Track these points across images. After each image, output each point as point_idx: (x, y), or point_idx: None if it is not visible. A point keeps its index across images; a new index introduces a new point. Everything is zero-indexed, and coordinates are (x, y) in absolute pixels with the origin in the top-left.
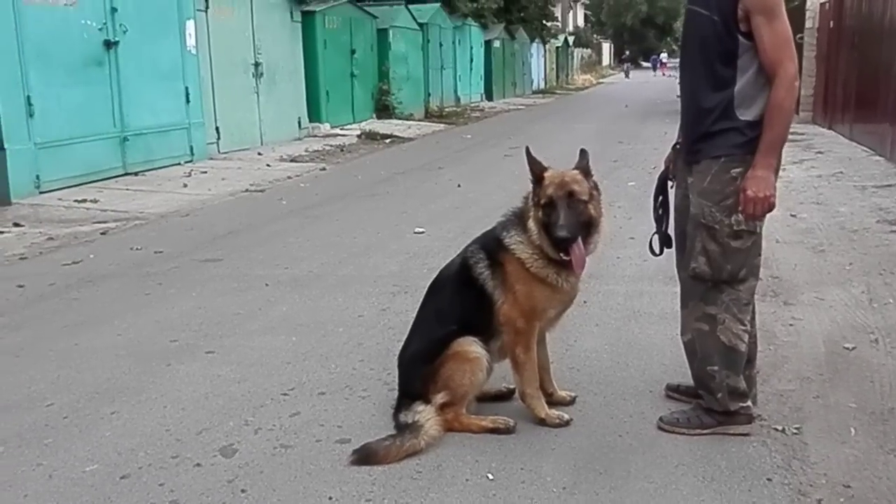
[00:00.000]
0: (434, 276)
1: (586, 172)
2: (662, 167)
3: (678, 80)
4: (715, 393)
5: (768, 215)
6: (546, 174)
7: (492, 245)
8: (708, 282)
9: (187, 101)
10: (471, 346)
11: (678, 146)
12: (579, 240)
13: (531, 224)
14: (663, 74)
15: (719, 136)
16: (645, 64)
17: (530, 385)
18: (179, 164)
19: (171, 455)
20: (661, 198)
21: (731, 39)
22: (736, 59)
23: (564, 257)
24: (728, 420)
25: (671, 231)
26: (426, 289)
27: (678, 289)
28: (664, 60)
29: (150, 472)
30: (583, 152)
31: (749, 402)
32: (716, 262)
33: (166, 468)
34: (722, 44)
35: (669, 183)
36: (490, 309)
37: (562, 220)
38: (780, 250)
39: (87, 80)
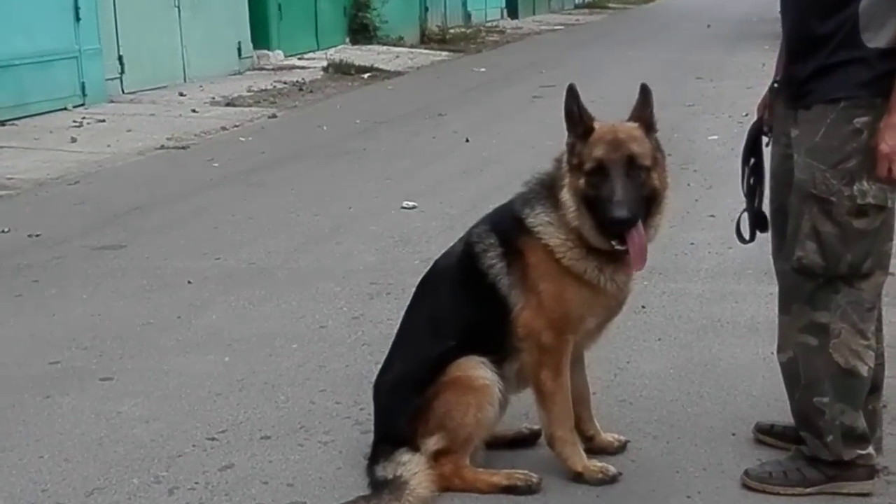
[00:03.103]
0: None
1: (648, 125)
2: (755, 116)
3: None
4: (824, 436)
5: None
6: (595, 127)
7: (508, 226)
8: (819, 277)
9: (77, 18)
10: (476, 369)
11: (777, 86)
12: (639, 223)
13: (567, 197)
14: None
15: (839, 72)
16: None
17: (561, 425)
18: (65, 108)
19: None
20: (752, 160)
21: None
22: None
23: (618, 247)
24: (841, 474)
25: (766, 207)
26: (417, 285)
27: (776, 289)
28: None
29: None
30: (644, 91)
31: (871, 449)
32: (831, 248)
33: None
34: None
35: (765, 139)
36: (504, 316)
37: (618, 194)
38: None
39: None
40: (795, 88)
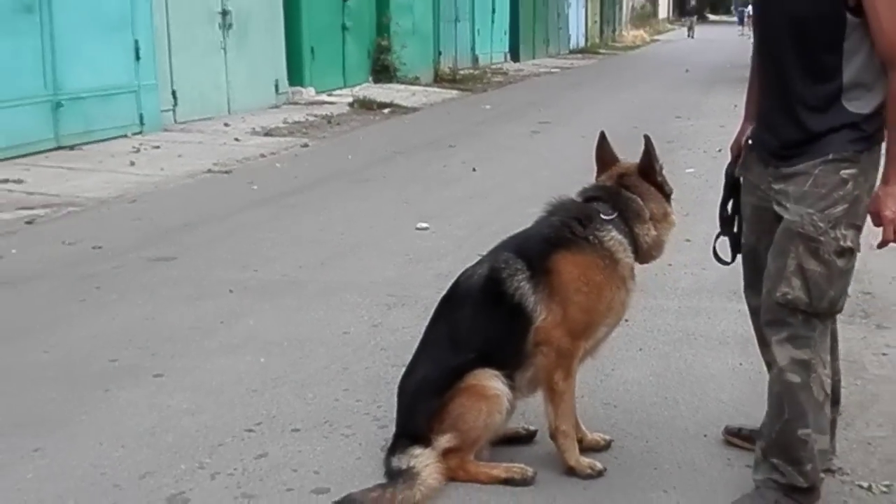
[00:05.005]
0: (443, 283)
1: None
2: (730, 155)
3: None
4: (804, 464)
5: None
6: None
7: (538, 251)
8: (799, 314)
9: (137, 57)
10: (490, 380)
11: (750, 142)
12: None
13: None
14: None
15: (827, 138)
16: (713, 17)
17: (566, 420)
18: (126, 136)
19: None
20: (731, 200)
21: (837, 17)
22: (842, 42)
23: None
24: (811, 500)
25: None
26: (438, 302)
27: (744, 306)
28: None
29: None
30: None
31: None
32: (817, 286)
33: None
34: (823, 25)
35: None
36: (523, 331)
37: None
38: (874, 259)
39: (13, 29)
40: (777, 150)
